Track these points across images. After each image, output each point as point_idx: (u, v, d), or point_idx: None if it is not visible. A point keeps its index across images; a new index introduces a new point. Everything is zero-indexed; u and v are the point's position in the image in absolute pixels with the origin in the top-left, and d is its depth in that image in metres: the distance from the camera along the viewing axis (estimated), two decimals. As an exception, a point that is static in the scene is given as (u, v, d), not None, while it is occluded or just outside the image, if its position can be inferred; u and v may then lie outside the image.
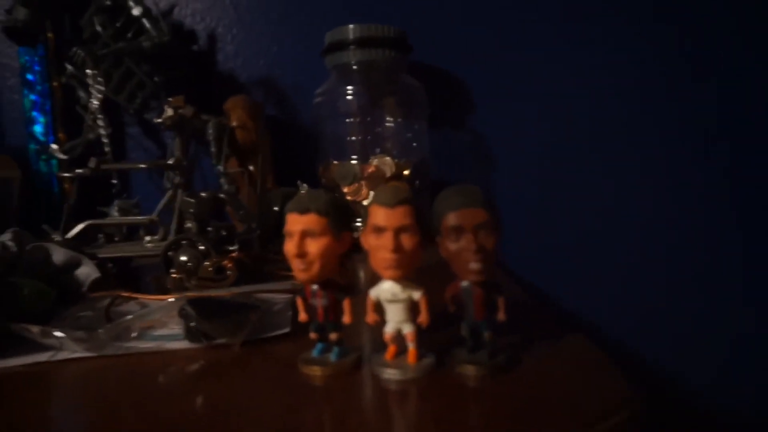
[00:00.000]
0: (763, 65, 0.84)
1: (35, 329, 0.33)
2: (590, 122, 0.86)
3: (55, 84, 0.81)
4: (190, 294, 0.42)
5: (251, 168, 0.74)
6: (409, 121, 0.76)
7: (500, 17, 0.86)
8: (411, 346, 0.29)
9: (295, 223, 0.28)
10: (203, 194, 0.56)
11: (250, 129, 0.75)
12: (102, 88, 0.65)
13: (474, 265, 0.27)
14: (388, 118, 0.75)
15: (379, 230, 0.28)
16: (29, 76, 0.81)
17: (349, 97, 0.73)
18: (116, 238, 0.62)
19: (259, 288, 0.45)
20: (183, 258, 0.51)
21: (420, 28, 0.80)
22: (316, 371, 0.29)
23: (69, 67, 0.74)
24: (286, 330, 0.36)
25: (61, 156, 0.67)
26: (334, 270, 0.29)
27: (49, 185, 0.82)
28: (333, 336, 0.30)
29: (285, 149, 0.83)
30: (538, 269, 0.84)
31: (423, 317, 0.29)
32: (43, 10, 0.69)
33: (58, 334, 0.33)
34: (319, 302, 0.30)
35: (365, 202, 0.71)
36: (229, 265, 0.50)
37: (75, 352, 0.33)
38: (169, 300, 0.36)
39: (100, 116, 0.65)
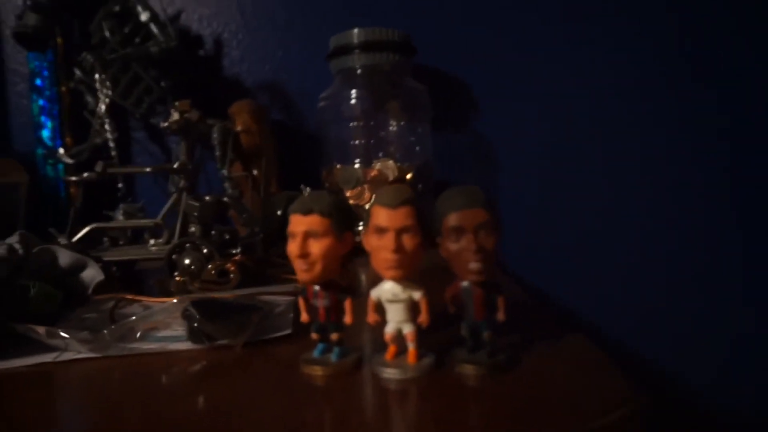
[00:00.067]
0: (763, 65, 0.84)
1: (41, 330, 0.33)
2: (591, 123, 0.86)
3: (63, 89, 0.82)
4: (193, 296, 0.43)
5: (255, 172, 0.75)
6: (412, 124, 0.76)
7: (501, 19, 0.86)
8: (411, 346, 0.29)
9: (298, 223, 0.28)
10: (207, 198, 0.57)
11: (254, 133, 0.76)
12: (110, 92, 0.66)
13: (474, 265, 0.27)
14: (391, 122, 0.75)
15: (380, 231, 0.28)
16: (38, 81, 0.82)
17: (353, 101, 0.74)
18: (121, 242, 0.62)
19: (262, 290, 0.45)
20: (186, 261, 0.51)
21: (423, 31, 0.80)
22: (317, 371, 0.30)
23: (77, 72, 0.75)
24: (288, 332, 0.36)
25: (68, 160, 0.68)
26: (336, 271, 0.30)
27: (56, 189, 0.83)
28: (334, 336, 0.30)
29: (289, 153, 0.84)
30: (538, 269, 0.84)
31: (423, 317, 0.29)
32: (53, 16, 0.70)
33: (63, 334, 0.33)
34: (321, 303, 0.30)
35: (368, 206, 0.71)
36: (232, 268, 0.50)
37: (80, 352, 0.34)
38: (173, 301, 0.37)
39: (107, 120, 0.66)
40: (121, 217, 0.62)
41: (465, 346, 0.30)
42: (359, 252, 0.32)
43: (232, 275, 0.49)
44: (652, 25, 0.85)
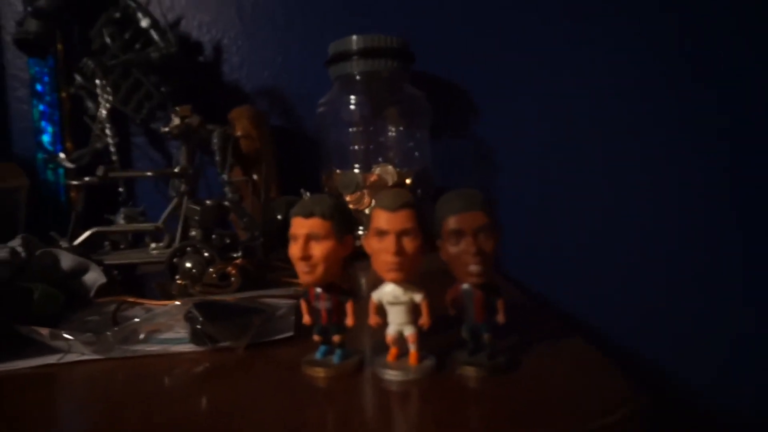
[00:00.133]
0: (763, 65, 0.85)
1: (45, 332, 0.33)
2: (591, 123, 0.87)
3: (63, 94, 0.83)
4: (195, 298, 0.43)
5: (255, 177, 0.75)
6: (411, 130, 0.77)
7: (498, 22, 0.87)
8: (412, 348, 0.30)
9: (300, 226, 0.29)
10: (208, 202, 0.57)
11: (254, 138, 0.76)
12: (110, 97, 0.66)
13: (474, 268, 0.28)
14: (390, 128, 0.76)
15: (381, 233, 0.28)
16: (38, 87, 0.82)
17: (352, 107, 0.75)
18: (122, 245, 0.62)
19: (263, 293, 0.46)
20: (188, 265, 0.52)
21: (421, 36, 0.81)
22: (319, 373, 0.30)
23: (77, 77, 0.76)
24: (290, 334, 0.37)
25: (69, 164, 0.69)
26: (338, 273, 0.30)
27: (56, 193, 0.83)
28: (336, 338, 0.31)
29: (289, 158, 0.84)
30: (537, 269, 0.84)
31: (424, 319, 0.29)
32: (53, 23, 0.70)
33: (67, 336, 0.33)
34: (323, 305, 0.30)
35: (367, 211, 0.72)
36: (233, 271, 0.50)
37: (83, 354, 0.34)
38: (175, 304, 0.37)
39: (107, 125, 0.66)
40: (122, 221, 0.62)
41: (465, 348, 0.30)
42: (360, 256, 0.32)
43: (233, 279, 0.50)
44: (652, 25, 0.86)
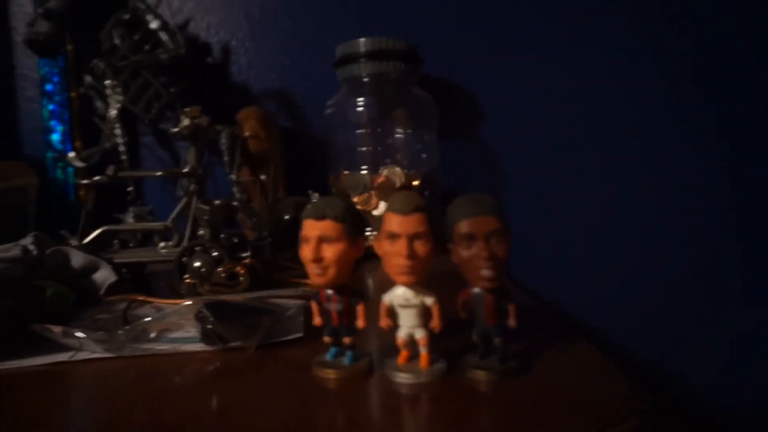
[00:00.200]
0: (763, 65, 0.85)
1: (57, 330, 0.34)
2: (596, 125, 0.87)
3: (72, 94, 0.83)
4: (205, 298, 0.43)
5: (263, 177, 0.76)
6: (419, 132, 0.77)
7: (505, 24, 0.88)
8: (423, 351, 0.30)
9: (312, 228, 0.29)
10: (217, 202, 0.57)
11: (262, 139, 0.77)
12: (120, 98, 0.67)
13: (486, 272, 0.28)
14: (398, 130, 0.76)
15: (393, 237, 0.28)
16: (48, 87, 0.83)
17: (359, 109, 0.75)
18: (131, 244, 0.63)
19: (272, 294, 0.46)
20: (197, 264, 0.52)
21: (428, 39, 0.81)
22: (329, 374, 0.30)
23: (87, 78, 0.76)
24: (299, 335, 0.37)
25: (79, 163, 0.69)
26: (349, 275, 0.30)
27: (65, 192, 0.84)
28: (347, 340, 0.31)
29: (296, 159, 0.85)
30: (537, 270, 0.84)
31: (435, 322, 0.29)
32: (64, 24, 0.71)
33: (79, 334, 0.33)
34: (334, 306, 0.30)
35: (375, 212, 0.72)
36: (242, 271, 0.50)
37: (94, 352, 0.34)
38: (186, 303, 0.37)
39: (117, 125, 0.67)
40: (131, 220, 0.63)
41: (476, 352, 0.30)
42: (367, 257, 0.33)
43: (241, 278, 0.50)
44: (654, 25, 0.86)
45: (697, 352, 0.85)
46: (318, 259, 0.29)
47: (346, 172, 0.75)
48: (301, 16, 0.89)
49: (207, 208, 0.55)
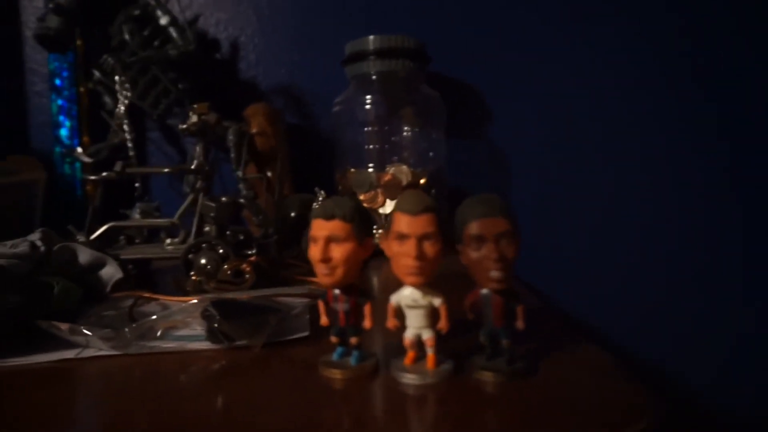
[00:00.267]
0: (764, 65, 0.84)
1: (64, 327, 0.34)
2: (600, 125, 0.87)
3: (81, 89, 0.84)
4: (211, 296, 0.43)
5: (269, 174, 0.76)
6: (426, 130, 0.77)
7: (514, 24, 0.87)
8: (430, 352, 0.30)
9: (321, 228, 0.29)
10: (224, 199, 0.57)
11: (269, 135, 0.77)
12: (129, 94, 0.67)
13: (495, 274, 0.28)
14: (405, 128, 0.76)
15: (402, 237, 0.28)
16: (57, 82, 0.83)
17: (367, 107, 0.74)
18: (137, 240, 0.63)
19: (278, 291, 0.46)
20: (203, 261, 0.52)
21: (437, 37, 0.81)
22: (336, 374, 0.30)
23: (96, 73, 0.76)
24: (305, 334, 0.37)
25: (86, 159, 0.69)
26: (357, 275, 0.30)
27: (73, 187, 0.84)
28: (353, 340, 0.30)
29: (303, 156, 0.85)
30: (538, 269, 0.84)
31: (443, 323, 0.29)
32: (74, 19, 0.71)
33: (86, 332, 0.34)
34: (341, 306, 0.30)
35: (381, 210, 0.72)
36: (248, 269, 0.50)
37: (101, 349, 0.34)
38: (192, 301, 0.37)
39: (125, 121, 0.67)
40: (137, 216, 0.63)
41: (484, 353, 0.30)
42: (372, 254, 0.32)
43: (247, 276, 0.50)
44: (657, 25, 0.85)
45: (697, 352, 0.85)
46: (326, 259, 0.28)
47: (352, 169, 0.75)
48: (310, 12, 0.88)
49: (214, 205, 0.55)
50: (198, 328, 0.37)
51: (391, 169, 0.72)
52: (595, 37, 0.86)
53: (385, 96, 0.75)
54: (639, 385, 0.28)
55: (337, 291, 0.30)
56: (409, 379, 0.29)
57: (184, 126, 0.58)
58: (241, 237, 0.59)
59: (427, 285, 0.29)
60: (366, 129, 0.75)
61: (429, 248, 0.28)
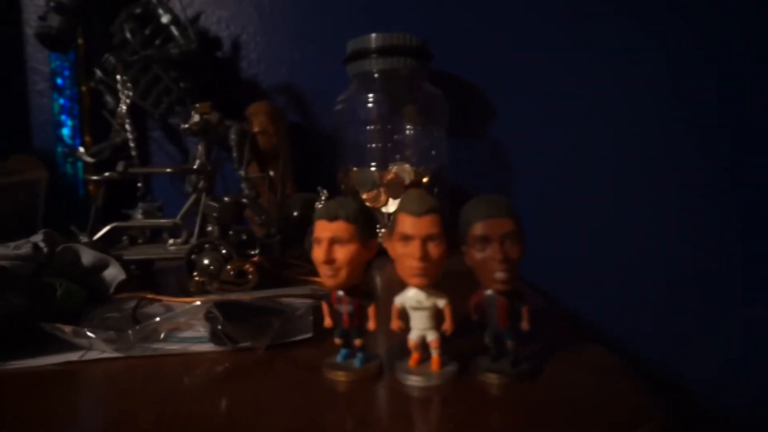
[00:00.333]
0: (765, 65, 0.84)
1: (68, 329, 0.34)
2: (605, 125, 0.86)
3: (83, 89, 0.84)
4: (214, 297, 0.43)
5: (272, 173, 0.75)
6: (428, 128, 0.76)
7: (516, 23, 0.87)
8: (435, 354, 0.29)
9: (324, 230, 0.29)
10: (226, 199, 0.57)
11: (271, 134, 0.77)
12: (130, 93, 0.66)
13: (500, 275, 0.27)
14: (407, 126, 0.76)
15: (406, 238, 0.28)
16: (59, 81, 0.83)
17: (369, 105, 0.74)
18: (140, 241, 0.63)
19: (281, 292, 0.46)
20: (205, 261, 0.52)
21: (439, 36, 0.81)
22: (340, 376, 0.30)
23: (98, 72, 0.76)
24: (309, 335, 0.37)
25: (88, 159, 0.69)
26: (361, 276, 0.30)
27: (74, 187, 0.84)
28: (357, 342, 0.30)
29: (305, 155, 0.84)
30: (538, 269, 0.84)
31: (447, 325, 0.29)
32: (75, 18, 0.71)
33: (89, 334, 0.33)
34: (345, 308, 0.30)
35: (384, 209, 0.72)
36: (251, 269, 0.50)
37: (104, 352, 0.34)
38: (196, 303, 0.37)
39: (127, 121, 0.67)
40: (140, 216, 0.63)
41: (488, 355, 0.30)
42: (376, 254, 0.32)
43: (250, 276, 0.50)
44: (661, 25, 0.84)
45: (697, 352, 0.85)
46: (330, 261, 0.28)
47: (355, 168, 0.74)
48: (312, 11, 0.88)
49: (216, 205, 0.55)
50: (201, 330, 0.37)
51: (393, 168, 0.72)
52: (595, 36, 0.85)
53: (387, 94, 0.74)
54: (643, 387, 0.28)
55: (340, 292, 0.30)
56: (414, 381, 0.29)
57: (186, 125, 0.58)
58: (244, 237, 0.59)
59: (432, 286, 0.29)
60: (368, 127, 0.75)
61: (433, 249, 0.28)
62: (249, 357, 0.34)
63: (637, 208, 0.86)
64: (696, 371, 0.85)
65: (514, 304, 0.29)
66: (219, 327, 0.34)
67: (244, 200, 0.60)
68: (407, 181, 0.71)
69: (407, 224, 0.28)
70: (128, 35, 0.75)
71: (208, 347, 0.35)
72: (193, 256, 0.53)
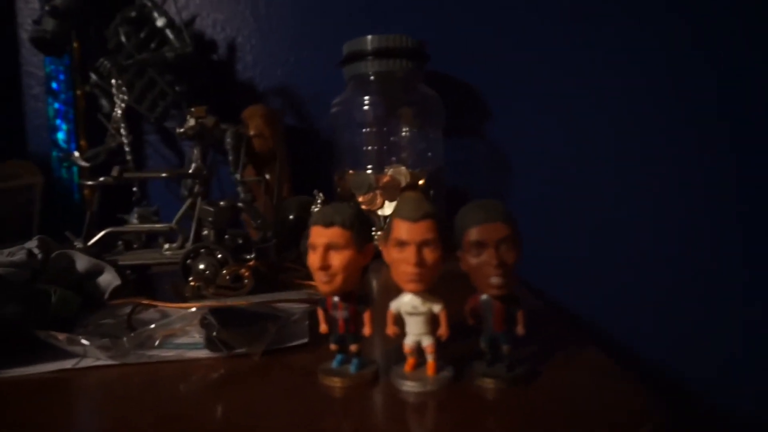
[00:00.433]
0: (765, 65, 0.84)
1: (62, 337, 0.33)
2: (603, 125, 0.86)
3: (78, 93, 0.83)
4: (210, 303, 0.43)
5: (268, 176, 0.75)
6: (424, 130, 0.76)
7: (513, 24, 0.87)
8: (430, 359, 0.29)
9: (320, 235, 0.28)
10: (222, 203, 0.57)
11: (267, 137, 0.76)
12: (125, 97, 0.66)
13: (495, 280, 0.27)
14: (404, 128, 0.76)
15: (401, 244, 0.28)
16: (54, 85, 0.83)
17: (365, 107, 0.74)
18: (135, 246, 0.62)
19: (277, 297, 0.46)
20: (201, 266, 0.52)
21: (436, 37, 0.81)
22: (336, 382, 0.30)
23: (93, 76, 0.76)
24: (304, 340, 0.37)
25: (83, 163, 0.69)
26: (356, 282, 0.30)
27: (70, 191, 0.84)
28: (353, 347, 0.30)
29: (302, 158, 0.84)
30: (538, 269, 0.84)
31: (443, 330, 0.29)
32: (70, 22, 0.71)
33: (84, 341, 0.33)
34: (340, 314, 0.30)
35: (380, 212, 0.72)
36: (246, 273, 0.50)
37: (99, 359, 0.34)
38: (191, 309, 0.37)
39: (123, 125, 0.67)
40: (135, 221, 0.62)
41: (484, 359, 0.30)
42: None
43: (246, 281, 0.50)
44: (662, 25, 0.85)
45: (697, 352, 0.85)
46: (325, 267, 0.28)
47: (351, 171, 0.74)
48: (308, 13, 0.88)
49: (212, 209, 0.55)
50: (197, 336, 0.36)
51: (389, 171, 0.72)
52: (595, 37, 0.86)
53: (384, 96, 0.74)
54: (642, 388, 0.28)
55: (336, 298, 0.30)
56: (409, 386, 0.29)
57: (182, 129, 0.58)
58: (240, 241, 0.59)
59: (427, 291, 0.29)
60: (364, 130, 0.75)
61: (429, 255, 0.28)
62: (245, 363, 0.34)
63: (637, 208, 0.86)
64: (696, 371, 0.85)
65: (509, 309, 0.29)
66: (214, 333, 0.33)
67: (240, 204, 0.60)
68: (403, 184, 0.71)
69: (402, 230, 0.28)
70: (123, 39, 0.75)
71: (204, 353, 0.35)
72: (188, 261, 0.53)
